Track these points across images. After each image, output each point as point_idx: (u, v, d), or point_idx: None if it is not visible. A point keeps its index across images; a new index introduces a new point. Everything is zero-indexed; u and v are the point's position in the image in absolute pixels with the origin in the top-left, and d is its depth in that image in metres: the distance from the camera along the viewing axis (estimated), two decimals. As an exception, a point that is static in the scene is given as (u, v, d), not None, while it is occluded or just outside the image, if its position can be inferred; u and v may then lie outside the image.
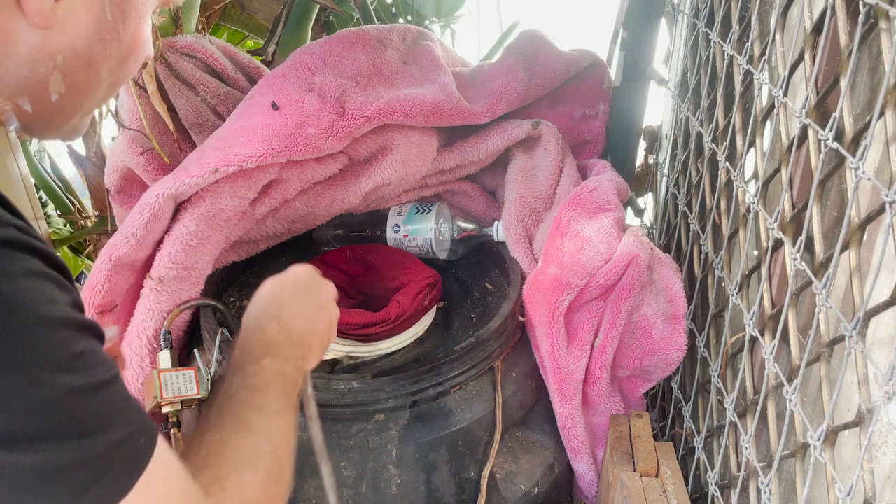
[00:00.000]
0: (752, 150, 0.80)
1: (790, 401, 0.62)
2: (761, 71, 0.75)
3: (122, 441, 0.40)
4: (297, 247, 1.19)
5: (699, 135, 0.98)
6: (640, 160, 1.34)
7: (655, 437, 0.92)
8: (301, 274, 0.70)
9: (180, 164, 1.01)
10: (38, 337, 0.37)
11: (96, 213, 1.71)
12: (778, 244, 0.70)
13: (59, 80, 0.48)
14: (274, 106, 1.02)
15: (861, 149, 0.55)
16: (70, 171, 1.80)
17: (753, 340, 0.75)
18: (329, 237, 1.20)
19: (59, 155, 1.90)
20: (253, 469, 0.52)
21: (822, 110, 0.65)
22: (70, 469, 0.38)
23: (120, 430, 0.40)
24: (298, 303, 0.67)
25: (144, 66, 1.12)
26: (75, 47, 0.47)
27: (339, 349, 0.96)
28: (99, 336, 0.43)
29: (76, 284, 0.44)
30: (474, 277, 1.15)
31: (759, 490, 0.69)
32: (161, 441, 0.44)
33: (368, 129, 1.05)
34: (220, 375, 0.93)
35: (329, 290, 0.72)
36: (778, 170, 0.72)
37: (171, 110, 1.14)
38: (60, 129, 0.53)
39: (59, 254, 1.72)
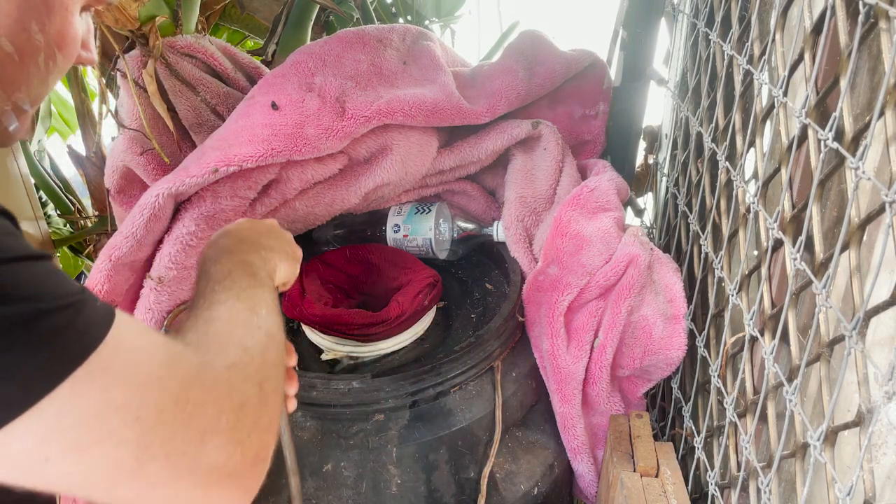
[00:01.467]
0: (752, 150, 0.80)
1: (790, 401, 0.62)
2: (761, 71, 0.75)
3: (66, 307, 0.38)
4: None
5: (699, 135, 0.98)
6: (640, 160, 1.34)
7: (655, 437, 0.92)
8: (238, 220, 0.70)
9: (180, 164, 1.01)
10: None
11: (96, 213, 1.71)
12: (778, 244, 0.70)
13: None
14: (274, 106, 1.02)
15: (861, 149, 0.55)
16: (70, 171, 1.80)
17: (753, 340, 0.75)
18: (329, 237, 1.20)
19: (59, 155, 1.90)
20: (231, 317, 0.51)
21: (822, 110, 0.65)
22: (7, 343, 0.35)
23: (60, 298, 0.38)
24: (243, 226, 0.66)
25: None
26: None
27: (339, 349, 0.96)
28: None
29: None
30: (474, 277, 1.15)
31: (759, 490, 0.69)
32: (124, 313, 0.42)
33: (368, 129, 1.05)
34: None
35: (271, 221, 0.71)
36: (778, 170, 0.72)
37: (171, 110, 1.14)
38: None
39: (58, 254, 1.72)
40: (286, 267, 0.66)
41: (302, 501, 0.76)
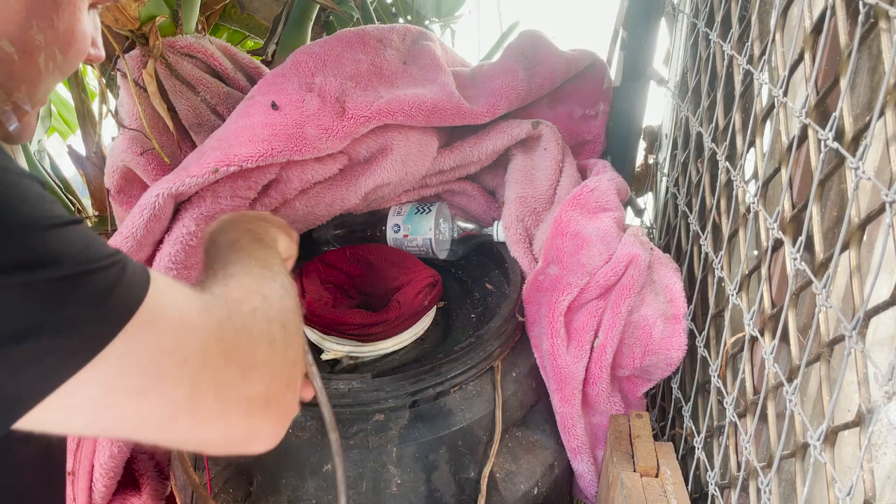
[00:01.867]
0: (752, 150, 0.80)
1: (790, 401, 0.62)
2: (761, 71, 0.75)
3: (111, 265, 0.40)
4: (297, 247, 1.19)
5: (699, 135, 0.98)
6: (640, 160, 1.34)
7: (655, 437, 0.92)
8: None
9: (180, 164, 1.01)
10: (11, 181, 0.37)
11: (96, 213, 1.71)
12: (778, 244, 0.70)
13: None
14: (274, 106, 1.02)
15: (861, 149, 0.55)
16: (70, 171, 1.80)
17: (753, 340, 0.75)
18: (329, 237, 1.20)
19: (59, 155, 1.90)
20: (248, 271, 0.56)
21: (822, 110, 0.65)
22: (58, 295, 0.37)
23: (104, 258, 0.40)
24: (239, 212, 0.72)
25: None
26: (7, 33, 0.47)
27: (339, 349, 0.96)
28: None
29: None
30: (474, 277, 1.15)
31: (759, 490, 0.69)
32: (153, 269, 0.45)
33: (368, 129, 1.05)
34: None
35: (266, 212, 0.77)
36: (778, 170, 0.72)
37: (171, 110, 1.14)
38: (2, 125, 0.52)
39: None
40: (285, 239, 0.70)
41: (343, 460, 0.75)
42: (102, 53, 0.57)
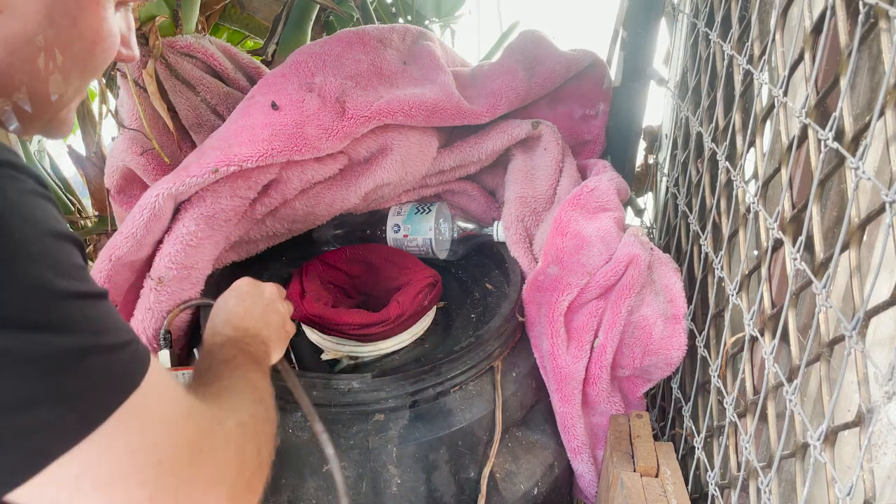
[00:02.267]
0: (752, 150, 0.80)
1: (790, 401, 0.62)
2: (761, 71, 0.75)
3: (120, 346, 0.41)
4: (297, 247, 1.19)
5: (699, 135, 0.98)
6: (640, 160, 1.34)
7: (655, 437, 0.92)
8: (241, 284, 0.78)
9: (180, 164, 1.01)
10: (49, 246, 0.38)
11: (96, 213, 1.71)
12: (778, 244, 0.70)
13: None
14: (274, 106, 1.02)
15: (861, 149, 0.55)
16: (70, 171, 1.79)
17: (753, 340, 0.75)
18: (329, 237, 1.20)
19: (59, 155, 1.90)
20: (238, 391, 0.56)
21: (822, 110, 0.65)
22: (64, 366, 0.37)
23: (115, 336, 0.41)
24: (243, 306, 0.74)
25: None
26: (27, 31, 0.46)
27: (339, 349, 0.96)
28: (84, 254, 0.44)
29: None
30: (474, 277, 1.15)
31: (759, 490, 0.69)
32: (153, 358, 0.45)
33: (368, 129, 1.05)
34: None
35: (271, 289, 0.79)
36: (778, 170, 0.72)
37: (171, 110, 1.14)
38: (34, 122, 0.52)
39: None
40: (280, 348, 0.76)
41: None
42: (136, 53, 0.57)
